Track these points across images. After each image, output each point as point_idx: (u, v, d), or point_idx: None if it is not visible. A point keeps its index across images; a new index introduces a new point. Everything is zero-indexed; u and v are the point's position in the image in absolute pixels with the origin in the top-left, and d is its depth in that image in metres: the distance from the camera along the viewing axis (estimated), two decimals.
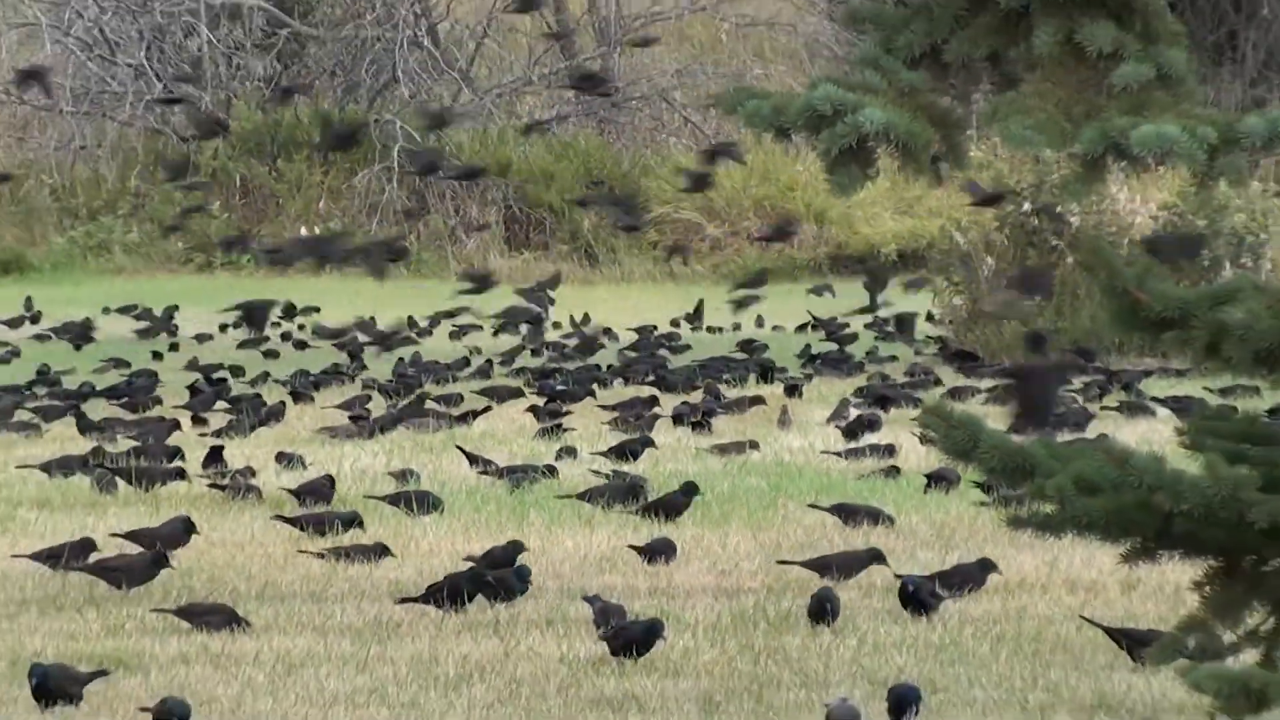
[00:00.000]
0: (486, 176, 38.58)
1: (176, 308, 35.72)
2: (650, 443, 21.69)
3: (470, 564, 15.59)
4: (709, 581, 15.36)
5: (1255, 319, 8.83)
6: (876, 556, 15.03)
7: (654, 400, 25.65)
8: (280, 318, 33.89)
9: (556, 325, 33.81)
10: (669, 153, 44.39)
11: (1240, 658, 8.79)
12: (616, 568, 16.04)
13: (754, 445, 21.96)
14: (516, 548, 15.50)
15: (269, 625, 14.43)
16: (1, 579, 15.84)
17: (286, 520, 17.35)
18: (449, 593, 14.77)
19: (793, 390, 26.56)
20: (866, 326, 33.62)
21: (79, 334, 33.26)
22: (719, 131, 42.54)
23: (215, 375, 29.04)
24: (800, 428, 23.55)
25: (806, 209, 40.67)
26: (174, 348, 33.32)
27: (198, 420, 24.58)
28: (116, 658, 13.75)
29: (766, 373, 29.01)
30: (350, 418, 24.47)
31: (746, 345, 32.15)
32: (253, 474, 19.93)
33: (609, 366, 31.06)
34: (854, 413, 23.83)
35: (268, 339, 32.70)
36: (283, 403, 26.13)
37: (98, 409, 25.60)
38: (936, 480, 18.59)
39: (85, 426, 23.62)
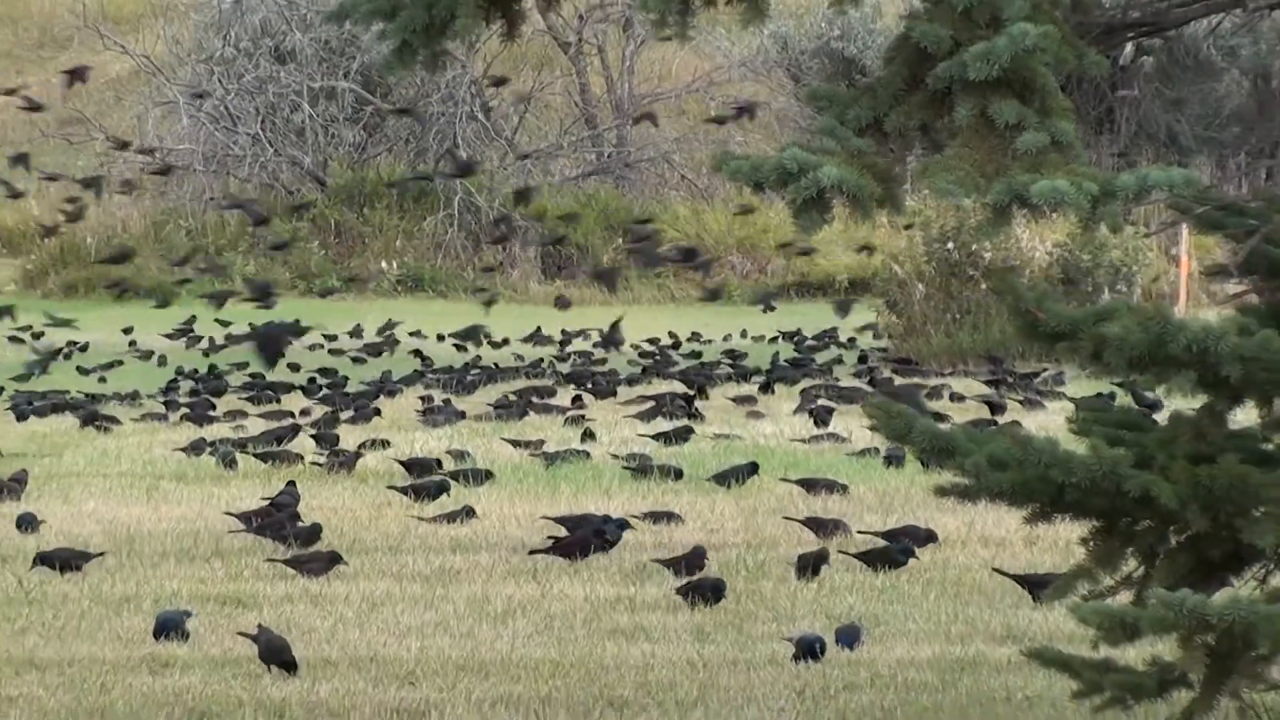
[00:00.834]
0: (479, 172, 39.13)
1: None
2: (690, 430, 21.72)
3: (547, 522, 15.75)
4: (701, 538, 15.31)
5: (1128, 333, 8.83)
6: (931, 536, 14.98)
7: (687, 395, 25.45)
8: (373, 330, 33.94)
9: (585, 336, 33.72)
10: (669, 203, 44.35)
11: (1117, 598, 8.78)
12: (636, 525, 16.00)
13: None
14: (615, 521, 15.46)
15: (356, 573, 14.43)
16: (147, 536, 15.80)
17: (398, 489, 17.31)
18: (575, 546, 14.93)
19: (766, 388, 26.47)
20: (828, 340, 33.66)
21: (214, 344, 33.04)
22: (710, 185, 42.57)
23: (312, 375, 28.86)
24: (772, 418, 23.47)
25: (777, 246, 40.67)
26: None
27: (304, 412, 24.44)
28: (236, 598, 13.75)
29: (746, 375, 28.91)
30: (423, 410, 24.36)
31: (729, 354, 32.01)
32: (344, 453, 19.92)
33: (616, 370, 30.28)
34: (816, 404, 23.82)
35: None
36: (374, 396, 25.95)
37: (228, 403, 25.51)
38: (892, 459, 18.56)
39: (202, 418, 23.57)
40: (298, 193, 43.05)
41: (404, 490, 17.27)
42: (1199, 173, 9.99)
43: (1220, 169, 42.05)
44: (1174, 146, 43.80)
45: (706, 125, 43.54)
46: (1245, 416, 9.03)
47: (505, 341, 33.27)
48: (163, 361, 31.53)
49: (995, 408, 23.14)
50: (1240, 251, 9.28)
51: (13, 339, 30.77)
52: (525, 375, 29.57)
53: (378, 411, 24.06)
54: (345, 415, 23.76)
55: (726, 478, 18.03)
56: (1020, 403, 24.16)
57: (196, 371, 29.78)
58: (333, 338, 33.07)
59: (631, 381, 27.96)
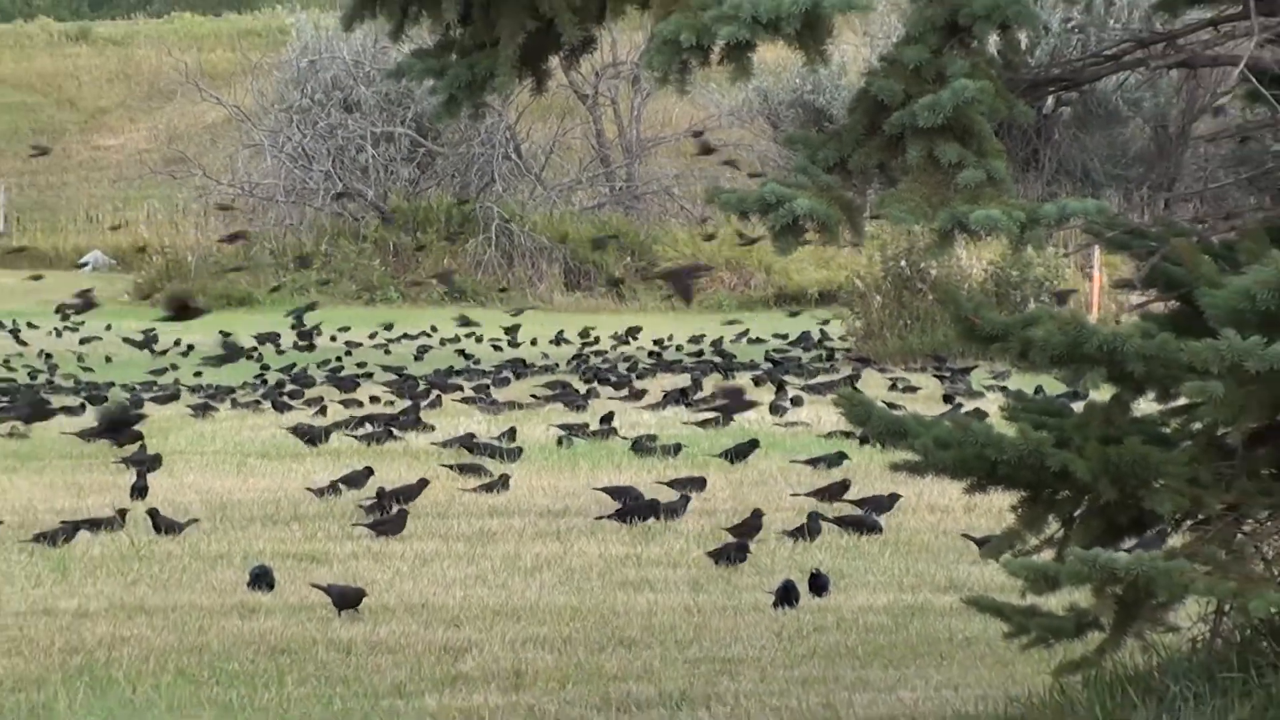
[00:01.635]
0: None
1: (348, 328, 35.39)
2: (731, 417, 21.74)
3: (599, 491, 15.64)
4: (695, 505, 15.31)
5: (1050, 336, 8.82)
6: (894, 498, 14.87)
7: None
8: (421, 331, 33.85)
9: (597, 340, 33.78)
10: (670, 228, 44.38)
11: (1041, 555, 8.77)
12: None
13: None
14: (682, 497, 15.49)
15: (410, 534, 14.42)
16: (237, 504, 15.81)
17: (448, 467, 17.29)
18: (635, 512, 14.89)
19: (758, 382, 26.43)
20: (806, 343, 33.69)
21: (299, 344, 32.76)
22: (704, 214, 42.60)
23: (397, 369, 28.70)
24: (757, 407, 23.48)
25: (760, 263, 40.68)
26: (349, 352, 32.76)
27: (374, 399, 24.34)
28: (311, 555, 13.76)
29: (732, 370, 28.89)
30: (471, 399, 24.24)
31: (720, 353, 31.98)
32: (394, 436, 19.94)
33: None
34: (790, 394, 23.78)
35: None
36: (434, 386, 25.76)
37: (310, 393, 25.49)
38: (864, 440, 18.39)
39: (285, 406, 23.57)
40: (363, 220, 43.09)
41: (451, 467, 17.28)
42: (1109, 203, 9.98)
43: (1126, 200, 42.03)
44: (1088, 181, 43.81)
45: (701, 164, 43.54)
46: (1147, 405, 9.01)
47: (534, 342, 33.30)
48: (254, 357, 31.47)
49: (948, 399, 23.17)
50: (1143, 268, 9.26)
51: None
52: (551, 371, 29.55)
53: (439, 400, 24.02)
54: (410, 403, 23.67)
55: (731, 453, 18.01)
56: (962, 392, 24.17)
57: (290, 368, 29.65)
58: (395, 340, 33.00)
59: (640, 376, 27.93)
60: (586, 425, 20.86)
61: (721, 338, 33.92)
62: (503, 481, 16.43)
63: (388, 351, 32.92)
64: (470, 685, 10.15)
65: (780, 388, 24.70)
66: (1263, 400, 8.43)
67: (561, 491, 16.39)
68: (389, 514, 14.83)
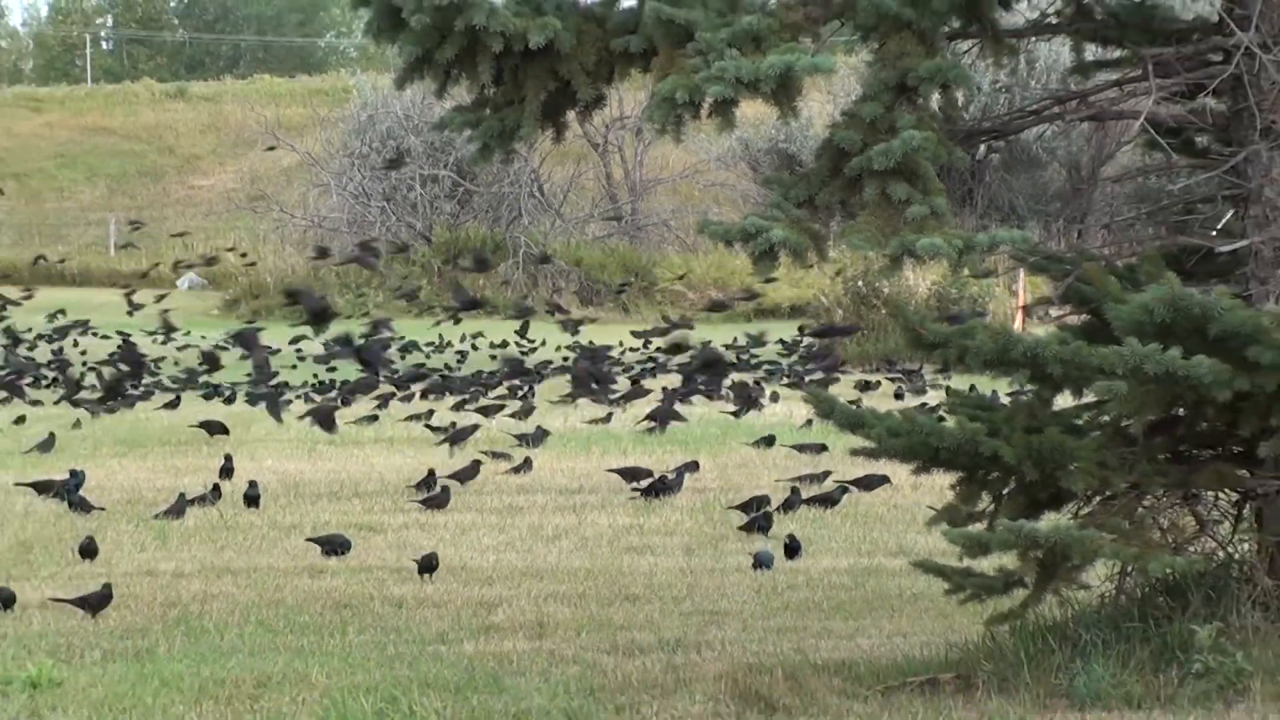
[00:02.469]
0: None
1: (402, 336, 34.96)
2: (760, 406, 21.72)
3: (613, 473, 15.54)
4: (688, 483, 15.32)
5: (983, 344, 8.81)
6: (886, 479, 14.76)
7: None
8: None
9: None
10: (666, 256, 44.41)
11: (975, 525, 8.77)
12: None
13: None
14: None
15: (452, 508, 14.45)
16: (307, 483, 15.82)
17: (484, 453, 17.24)
18: (654, 489, 14.91)
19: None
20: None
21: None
22: (695, 243, 42.62)
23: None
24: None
25: (741, 282, 40.73)
26: (403, 356, 32.28)
27: (424, 395, 24.19)
28: (369, 525, 13.77)
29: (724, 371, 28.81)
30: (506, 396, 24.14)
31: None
32: (440, 428, 19.94)
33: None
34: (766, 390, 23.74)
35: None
36: (480, 384, 25.55)
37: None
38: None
39: (350, 401, 23.48)
40: (412, 247, 43.09)
41: (485, 453, 17.28)
42: (1031, 234, 10.01)
43: (1046, 231, 41.97)
44: (1014, 215, 43.78)
45: (693, 201, 43.66)
46: (1063, 401, 9.01)
47: (558, 348, 33.14)
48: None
49: (899, 395, 23.14)
50: (1059, 287, 9.25)
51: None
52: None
53: (483, 393, 23.89)
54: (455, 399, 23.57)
55: (761, 441, 17.90)
56: (908, 389, 24.15)
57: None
58: (444, 348, 32.74)
59: (638, 379, 27.82)
60: (610, 416, 20.81)
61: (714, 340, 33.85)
62: (527, 464, 16.46)
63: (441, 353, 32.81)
64: (501, 634, 10.15)
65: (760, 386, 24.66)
66: (1159, 397, 8.43)
67: (577, 473, 16.41)
68: (436, 492, 14.84)
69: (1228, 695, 8.31)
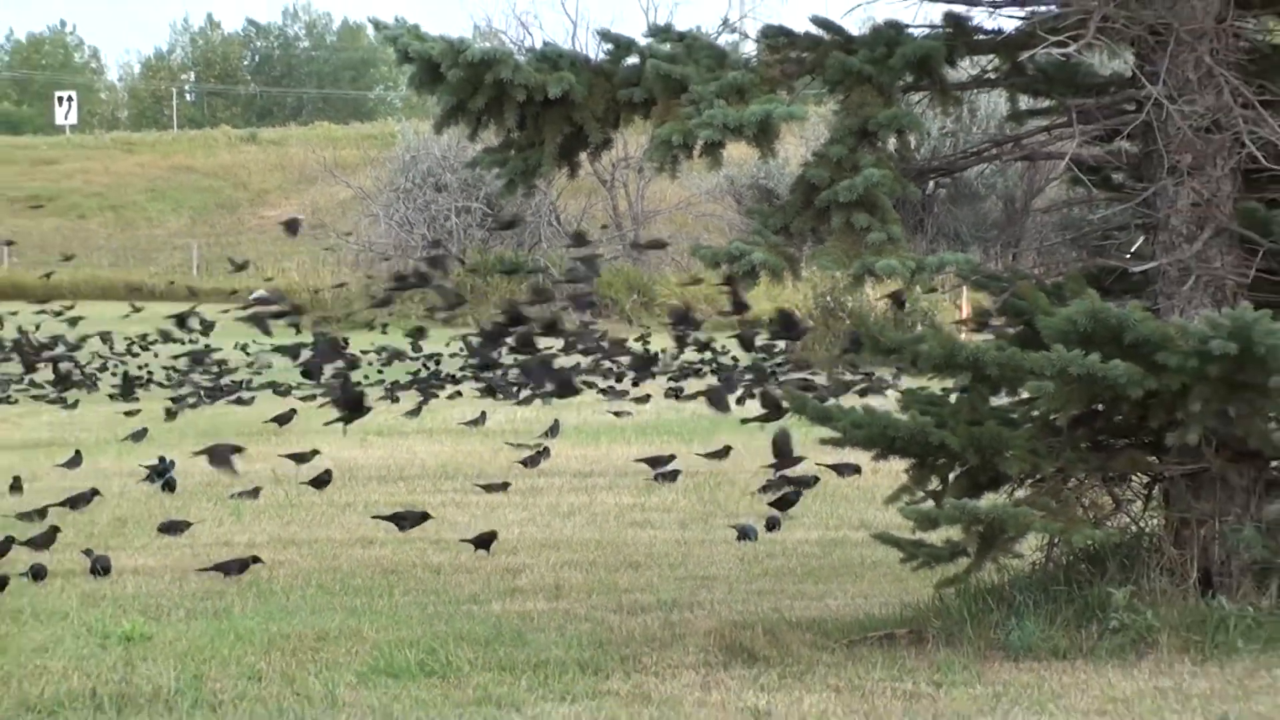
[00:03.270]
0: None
1: (447, 342, 34.37)
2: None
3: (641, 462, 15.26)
4: (680, 465, 15.31)
5: (932, 349, 8.80)
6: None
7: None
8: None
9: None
10: (665, 276, 44.36)
11: (926, 504, 8.76)
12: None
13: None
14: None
15: (504, 492, 14.45)
16: (360, 467, 15.79)
17: (509, 444, 17.18)
18: (666, 476, 14.82)
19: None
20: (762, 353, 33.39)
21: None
22: (690, 265, 42.54)
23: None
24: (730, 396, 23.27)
25: (728, 298, 40.58)
26: (438, 361, 31.94)
27: (457, 394, 24.07)
28: (411, 504, 13.74)
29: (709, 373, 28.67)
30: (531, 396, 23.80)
31: (702, 359, 31.65)
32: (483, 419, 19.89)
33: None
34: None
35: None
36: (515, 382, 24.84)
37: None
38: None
39: (395, 398, 23.39)
40: (452, 265, 43.02)
41: (510, 444, 17.26)
42: (974, 257, 9.99)
43: (986, 254, 41.83)
44: (959, 241, 43.71)
45: (687, 229, 43.54)
46: (1000, 399, 9.01)
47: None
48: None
49: (863, 393, 22.98)
50: (997, 302, 9.26)
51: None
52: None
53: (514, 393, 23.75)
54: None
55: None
56: (869, 387, 24.01)
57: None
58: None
59: (638, 380, 27.66)
60: (622, 412, 20.74)
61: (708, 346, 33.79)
62: (546, 452, 16.43)
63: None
64: (523, 595, 10.15)
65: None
66: (1081, 395, 8.43)
67: (588, 459, 16.39)
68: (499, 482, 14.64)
69: (1139, 648, 8.31)
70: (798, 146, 40.63)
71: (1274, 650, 8.25)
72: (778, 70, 8.81)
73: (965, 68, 9.50)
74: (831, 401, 10.31)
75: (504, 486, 14.30)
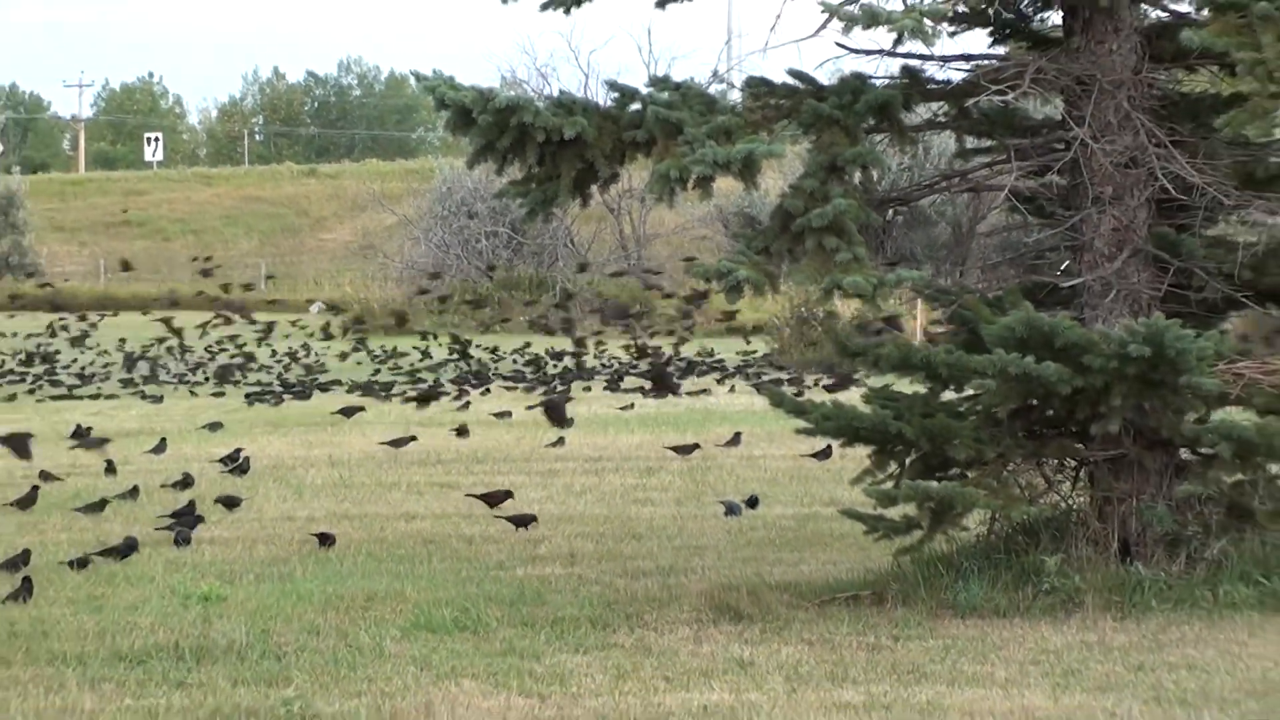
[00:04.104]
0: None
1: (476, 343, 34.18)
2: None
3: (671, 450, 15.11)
4: (675, 455, 15.29)
5: (891, 352, 8.80)
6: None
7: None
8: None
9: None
10: (664, 291, 44.27)
11: (886, 484, 8.76)
12: (643, 447, 15.94)
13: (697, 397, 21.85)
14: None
15: (508, 471, 14.42)
16: (402, 454, 15.75)
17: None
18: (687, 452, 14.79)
19: (720, 380, 26.04)
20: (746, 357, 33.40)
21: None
22: (684, 280, 42.43)
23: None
24: (715, 394, 23.33)
25: (717, 308, 40.45)
26: (469, 360, 31.58)
27: (486, 391, 23.67)
28: (445, 484, 13.73)
29: (704, 372, 28.62)
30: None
31: (694, 360, 31.55)
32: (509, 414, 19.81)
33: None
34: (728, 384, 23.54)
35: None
36: (522, 380, 24.91)
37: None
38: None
39: (437, 396, 23.26)
40: (480, 282, 42.86)
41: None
42: (927, 273, 9.98)
43: (937, 272, 41.74)
44: (914, 260, 43.65)
45: (682, 250, 43.41)
46: (949, 395, 9.00)
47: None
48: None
49: (829, 389, 22.85)
50: (947, 312, 9.25)
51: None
52: (599, 373, 29.03)
53: (535, 389, 23.63)
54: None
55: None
56: (837, 385, 23.88)
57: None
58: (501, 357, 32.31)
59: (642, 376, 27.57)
60: (632, 405, 20.65)
61: (700, 351, 33.84)
62: (561, 441, 16.38)
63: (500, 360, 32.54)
64: (543, 562, 10.14)
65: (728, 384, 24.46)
66: (1018, 391, 8.42)
67: (598, 446, 16.35)
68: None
69: (1068, 607, 8.32)
70: (777, 180, 40.64)
71: (1183, 609, 8.25)
72: (759, 115, 8.80)
73: (920, 112, 9.50)
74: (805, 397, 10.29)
75: (507, 495, 12.87)
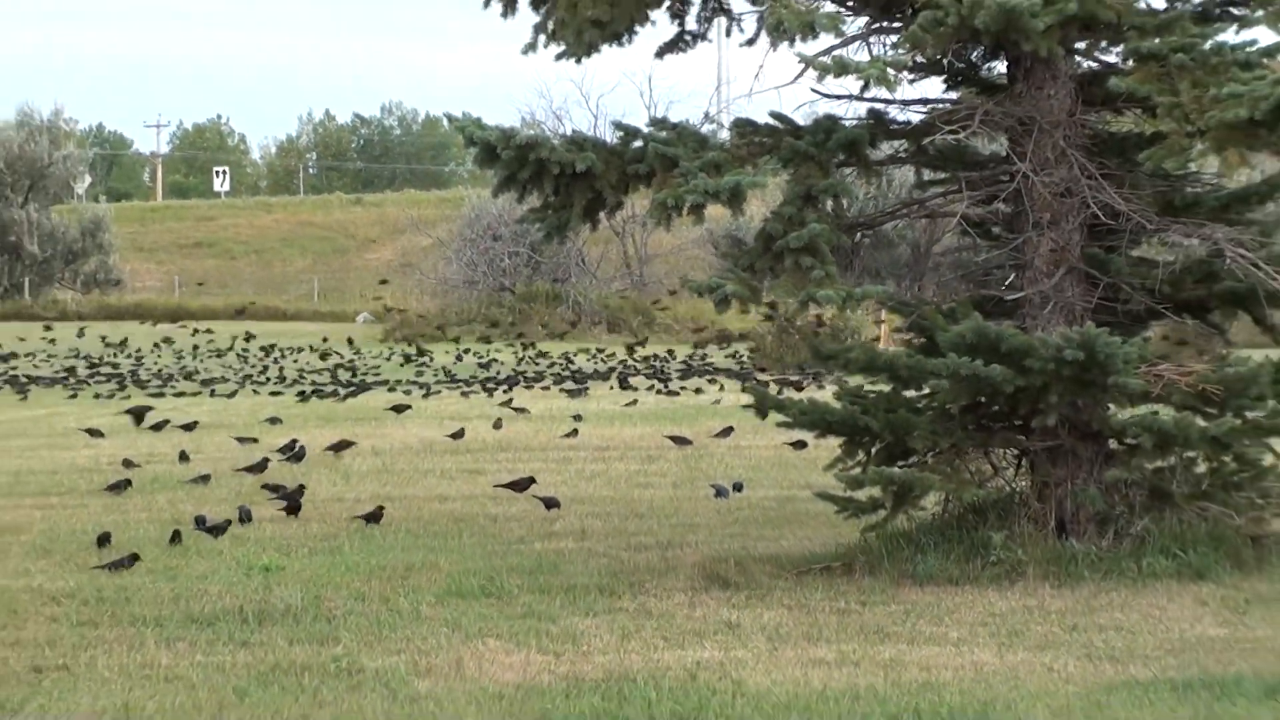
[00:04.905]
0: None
1: (500, 348, 34.53)
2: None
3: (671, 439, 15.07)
4: (672, 445, 15.27)
5: (859, 356, 8.79)
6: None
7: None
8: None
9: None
10: (662, 300, 44.18)
11: (855, 470, 8.76)
12: (644, 438, 15.90)
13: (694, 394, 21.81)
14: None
15: (529, 458, 14.39)
16: (435, 443, 15.73)
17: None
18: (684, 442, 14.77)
19: (712, 380, 25.98)
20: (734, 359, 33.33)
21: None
22: (680, 294, 42.35)
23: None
24: (708, 392, 23.28)
25: (708, 318, 40.43)
26: (495, 362, 31.85)
27: (508, 391, 23.66)
28: (475, 469, 13.70)
29: (699, 373, 28.54)
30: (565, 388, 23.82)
31: (688, 362, 31.51)
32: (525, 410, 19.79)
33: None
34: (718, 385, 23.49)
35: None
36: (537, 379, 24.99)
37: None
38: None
39: (470, 394, 23.24)
40: (505, 295, 42.74)
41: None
42: (890, 288, 9.99)
43: (899, 287, 41.70)
44: (878, 276, 43.51)
45: (678, 267, 43.26)
46: (910, 393, 8.99)
47: (593, 358, 32.82)
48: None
49: (799, 388, 22.83)
50: (907, 322, 9.25)
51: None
52: (605, 375, 29.04)
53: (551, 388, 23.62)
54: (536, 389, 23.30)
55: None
56: (813, 384, 23.89)
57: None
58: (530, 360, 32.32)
59: (647, 376, 27.54)
60: (635, 401, 20.62)
61: (693, 355, 33.86)
62: (574, 432, 16.37)
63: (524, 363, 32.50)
64: (558, 537, 10.14)
65: (719, 383, 24.41)
66: (969, 390, 8.42)
67: (605, 437, 16.32)
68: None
69: (1012, 576, 8.31)
70: (760, 207, 40.61)
71: (1111, 578, 8.25)
72: (745, 151, 8.81)
73: (883, 149, 9.50)
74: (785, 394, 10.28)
75: (531, 481, 12.54)
